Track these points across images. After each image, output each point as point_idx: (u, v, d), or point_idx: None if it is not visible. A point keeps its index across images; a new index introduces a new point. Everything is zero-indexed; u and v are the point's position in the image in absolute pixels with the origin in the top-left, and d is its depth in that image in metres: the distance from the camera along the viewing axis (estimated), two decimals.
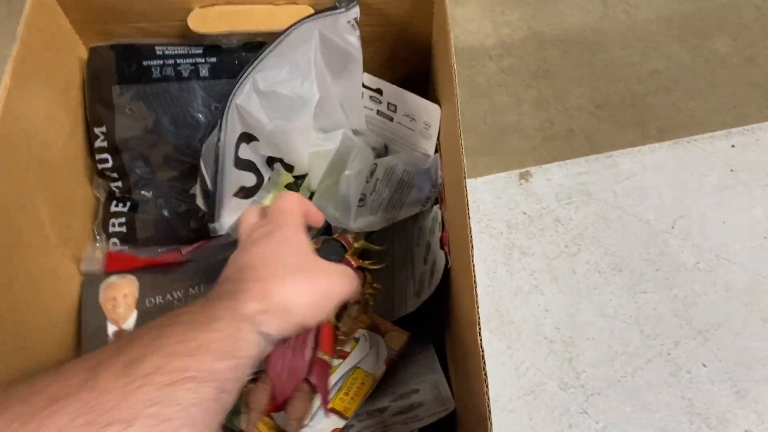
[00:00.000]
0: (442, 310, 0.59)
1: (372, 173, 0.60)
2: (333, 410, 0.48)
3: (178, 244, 0.60)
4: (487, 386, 0.36)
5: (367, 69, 0.59)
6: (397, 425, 0.49)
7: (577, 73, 0.85)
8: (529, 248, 0.72)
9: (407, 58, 0.64)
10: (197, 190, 0.54)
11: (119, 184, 0.60)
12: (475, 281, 0.41)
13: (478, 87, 0.84)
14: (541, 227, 0.73)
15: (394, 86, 0.60)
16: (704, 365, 0.66)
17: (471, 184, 0.44)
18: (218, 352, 0.33)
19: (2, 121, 0.47)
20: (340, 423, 0.48)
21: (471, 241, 0.41)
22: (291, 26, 0.53)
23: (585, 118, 0.82)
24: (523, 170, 0.77)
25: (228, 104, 0.51)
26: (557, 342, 0.66)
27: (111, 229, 0.60)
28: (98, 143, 0.59)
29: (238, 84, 0.51)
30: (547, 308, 0.68)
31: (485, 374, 0.37)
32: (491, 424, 0.35)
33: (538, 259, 0.71)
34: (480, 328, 0.39)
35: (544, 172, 0.77)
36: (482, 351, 0.38)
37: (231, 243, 0.58)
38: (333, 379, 0.50)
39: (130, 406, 0.28)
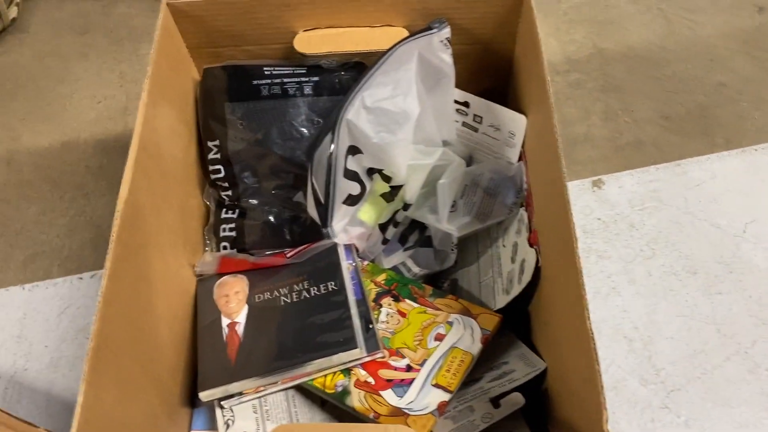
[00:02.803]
0: (524, 307, 0.63)
1: (462, 182, 0.65)
2: (437, 385, 0.52)
3: (283, 247, 0.65)
4: (598, 363, 0.40)
5: None
6: (495, 388, 0.53)
7: (644, 87, 0.89)
8: (606, 252, 0.75)
9: (489, 73, 0.69)
10: (308, 198, 0.60)
11: (229, 192, 0.66)
12: (582, 281, 0.44)
13: None
14: (616, 232, 0.76)
15: (481, 99, 0.65)
16: None
17: None
18: None
19: (141, 133, 0.53)
20: (446, 396, 0.52)
21: (575, 238, 0.45)
22: (392, 48, 0.58)
23: (653, 129, 0.85)
24: (596, 178, 0.80)
25: (339, 119, 0.57)
26: (636, 341, 0.69)
27: (222, 234, 0.65)
28: (211, 155, 0.65)
29: (348, 101, 0.57)
30: (626, 309, 0.71)
31: (596, 354, 0.41)
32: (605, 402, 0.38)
33: (615, 262, 0.74)
34: (590, 320, 0.43)
35: (616, 179, 0.80)
36: (592, 335, 0.42)
37: (332, 247, 0.63)
38: (433, 358, 0.54)
39: None
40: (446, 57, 0.60)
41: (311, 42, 0.63)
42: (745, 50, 0.92)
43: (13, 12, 0.92)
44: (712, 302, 0.71)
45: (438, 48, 0.59)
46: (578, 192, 0.79)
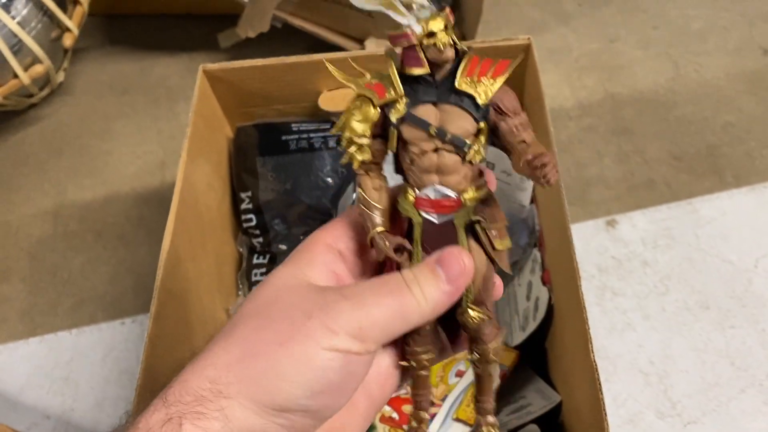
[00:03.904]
0: (541, 343, 0.66)
1: None
2: (459, 419, 0.56)
3: None
4: (602, 393, 0.43)
5: None
6: (513, 421, 0.56)
7: (654, 129, 0.93)
8: (620, 289, 0.78)
9: None
10: None
11: (260, 239, 0.71)
12: (585, 316, 0.48)
13: (561, 144, 0.92)
14: (629, 269, 0.79)
15: (492, 147, 0.69)
16: None
17: None
18: None
19: (181, 189, 0.59)
20: (466, 430, 0.55)
21: (578, 278, 0.49)
22: None
23: (664, 169, 0.88)
24: (609, 218, 0.84)
25: None
26: (652, 375, 0.72)
27: (254, 278, 0.70)
28: (244, 205, 0.70)
29: None
30: (641, 344, 0.74)
31: (600, 385, 0.44)
32: None
33: (629, 298, 0.77)
34: (593, 353, 0.46)
35: (629, 219, 0.83)
36: (597, 371, 0.45)
37: None
38: (454, 394, 0.58)
39: None
40: None
41: (334, 100, 0.68)
42: (751, 91, 0.95)
43: (60, 76, 0.99)
44: (726, 336, 0.74)
45: None
46: (593, 231, 0.83)
